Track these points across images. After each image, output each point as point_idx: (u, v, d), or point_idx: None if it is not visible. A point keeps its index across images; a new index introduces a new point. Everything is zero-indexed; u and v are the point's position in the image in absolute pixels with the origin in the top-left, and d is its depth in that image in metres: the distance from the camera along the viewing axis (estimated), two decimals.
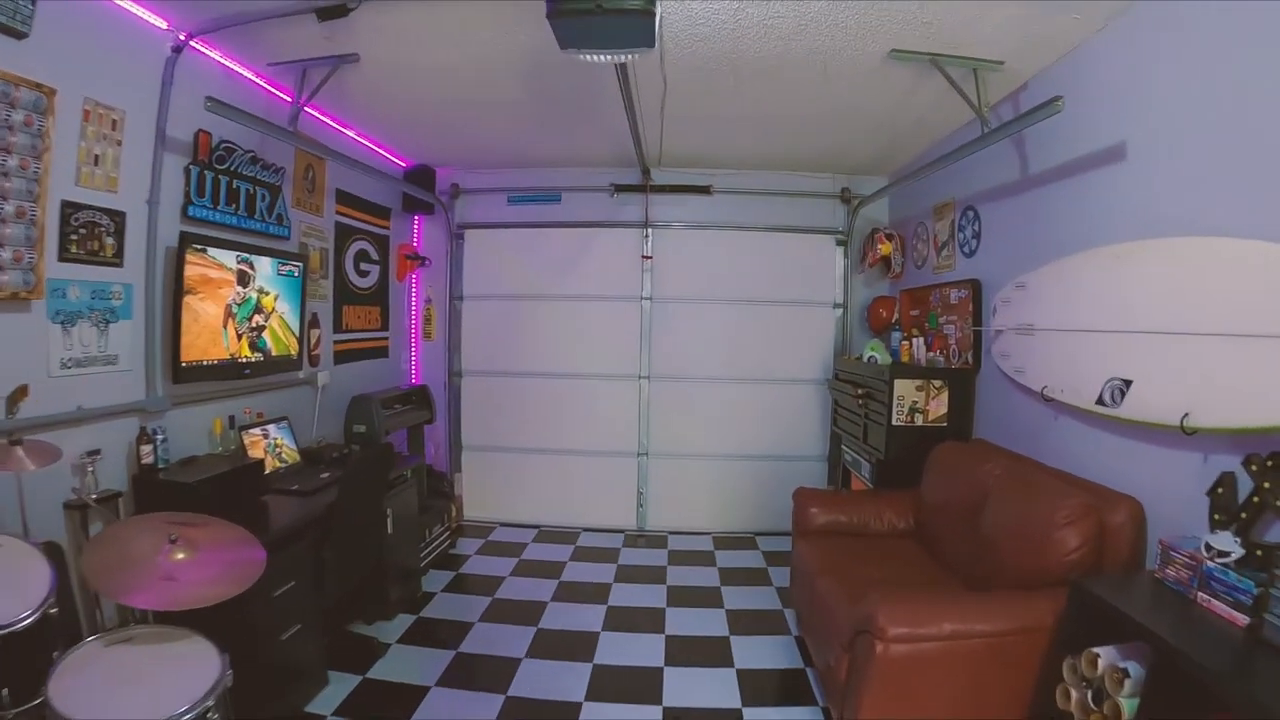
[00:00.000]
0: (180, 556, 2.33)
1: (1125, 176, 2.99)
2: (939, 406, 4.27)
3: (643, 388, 6.15)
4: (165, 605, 2.18)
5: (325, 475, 3.84)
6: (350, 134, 5.20)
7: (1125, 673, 2.14)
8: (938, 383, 4.27)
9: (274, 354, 4.15)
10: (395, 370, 6.13)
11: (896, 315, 5.62)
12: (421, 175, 6.03)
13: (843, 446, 5.43)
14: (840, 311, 6.12)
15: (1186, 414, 2.43)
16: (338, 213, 5.11)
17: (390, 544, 4.09)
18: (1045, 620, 2.50)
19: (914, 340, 5.00)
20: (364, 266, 5.52)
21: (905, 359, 4.94)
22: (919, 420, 4.26)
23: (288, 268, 4.23)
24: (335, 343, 5.09)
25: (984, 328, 4.25)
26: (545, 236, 6.14)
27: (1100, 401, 2.92)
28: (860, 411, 4.72)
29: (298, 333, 4.36)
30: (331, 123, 4.91)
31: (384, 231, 5.87)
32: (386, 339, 5.95)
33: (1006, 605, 2.60)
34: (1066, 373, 3.27)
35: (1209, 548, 2.19)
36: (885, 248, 5.67)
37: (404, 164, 6.06)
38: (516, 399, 6.25)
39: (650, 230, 6.02)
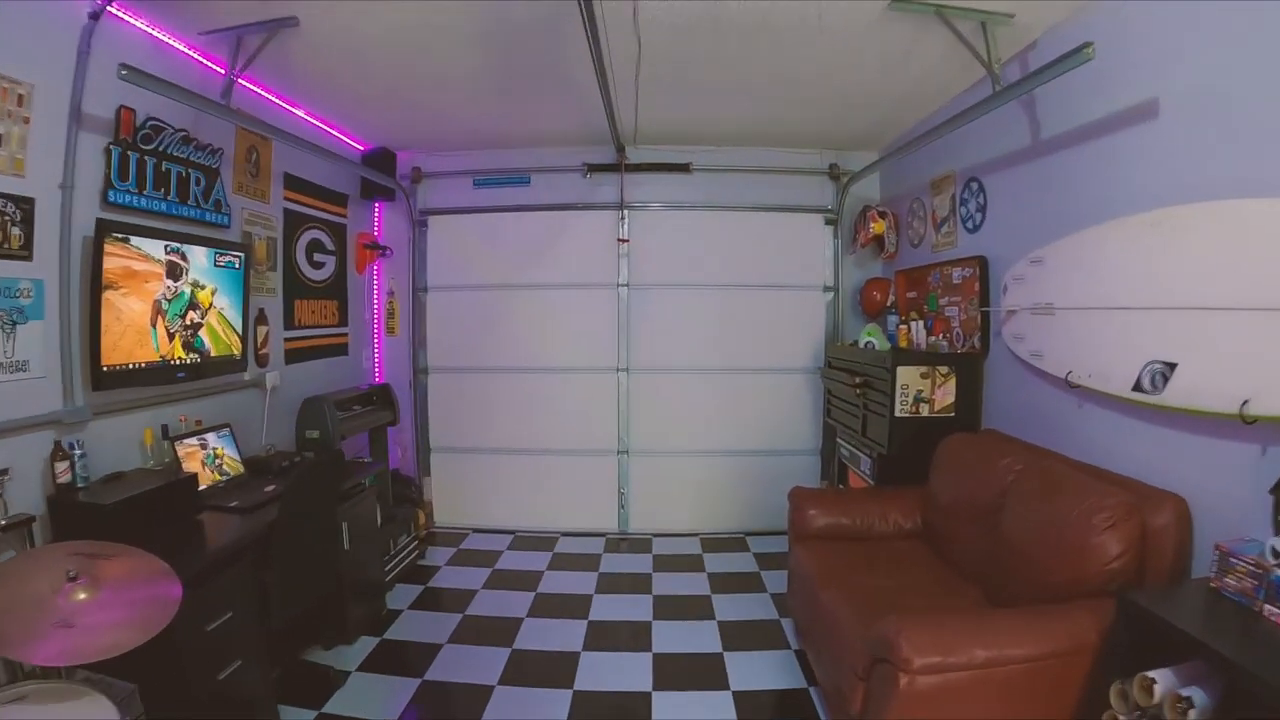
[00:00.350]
0: (81, 597, 2.00)
1: (1158, 136, 2.70)
2: (945, 395, 4.00)
3: (621, 381, 5.84)
4: (58, 659, 1.85)
5: (271, 488, 3.48)
6: (300, 113, 4.84)
7: (1189, 701, 1.87)
8: (944, 369, 3.99)
9: (213, 354, 3.80)
10: (356, 369, 5.78)
11: (892, 298, 5.35)
12: (381, 159, 5.67)
13: (838, 440, 5.15)
14: (831, 295, 5.84)
15: (1246, 400, 2.15)
16: (286, 199, 4.75)
17: (348, 560, 3.76)
18: (1088, 639, 2.22)
19: (913, 324, 4.75)
20: (318, 257, 5.17)
21: (904, 344, 4.69)
22: (924, 411, 3.98)
23: (227, 258, 3.87)
24: (286, 340, 4.73)
25: (993, 308, 3.99)
26: (514, 221, 5.81)
27: (1138, 388, 2.64)
28: (858, 402, 4.44)
29: (241, 330, 4.01)
30: (276, 100, 4.55)
31: (340, 219, 5.51)
32: (345, 335, 5.60)
33: (1044, 624, 2.31)
34: (1095, 356, 2.98)
35: (1276, 553, 1.92)
36: (878, 226, 5.40)
37: (361, 147, 5.70)
38: (487, 396, 5.92)
39: (626, 212, 5.71)
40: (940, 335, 4.53)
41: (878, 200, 5.75)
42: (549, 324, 5.83)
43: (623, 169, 5.59)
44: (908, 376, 3.95)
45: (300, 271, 4.93)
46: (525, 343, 5.85)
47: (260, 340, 4.38)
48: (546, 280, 5.79)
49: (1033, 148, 3.63)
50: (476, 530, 5.87)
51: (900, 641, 2.19)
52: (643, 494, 5.88)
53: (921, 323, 4.70)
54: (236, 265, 3.96)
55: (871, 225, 5.39)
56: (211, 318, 3.78)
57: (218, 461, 3.66)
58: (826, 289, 5.85)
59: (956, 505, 3.50)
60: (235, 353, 3.97)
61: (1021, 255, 3.64)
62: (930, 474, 3.83)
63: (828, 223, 5.82)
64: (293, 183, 4.82)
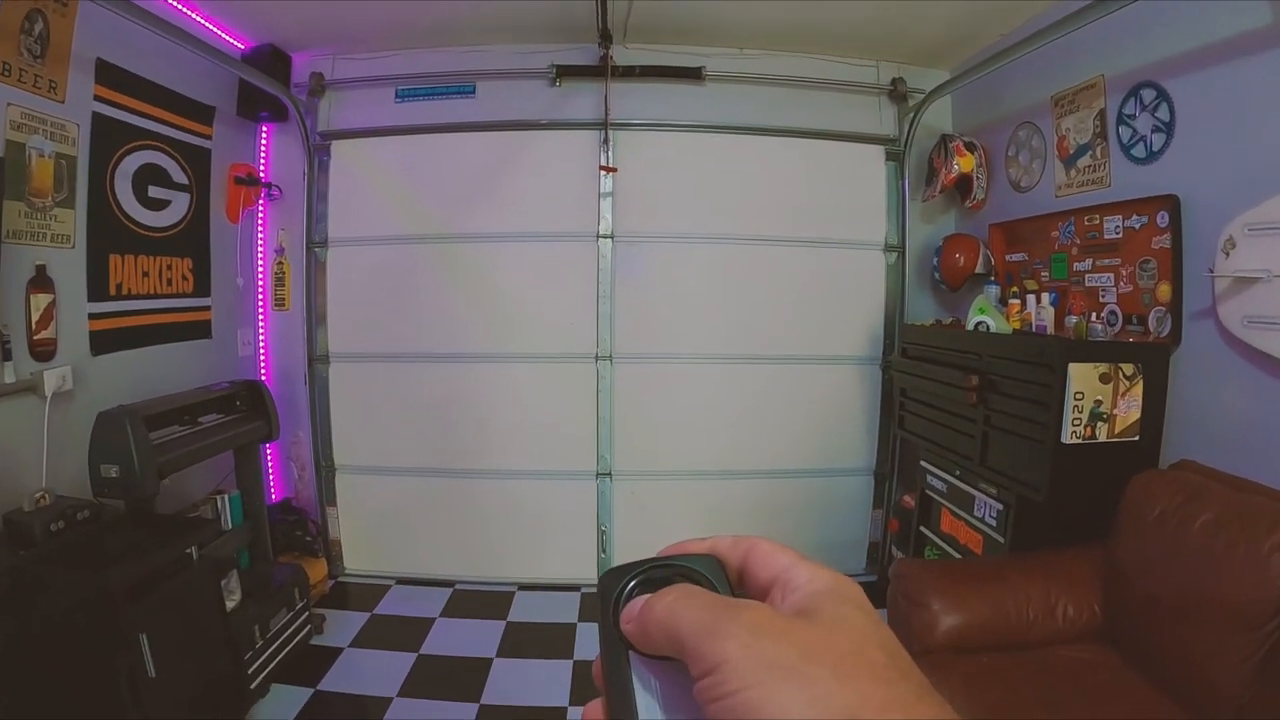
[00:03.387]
0: None
1: None
2: (1129, 409, 2.64)
3: (603, 373, 4.37)
4: None
5: None
6: None
7: None
8: (1128, 368, 2.63)
9: None
10: (227, 360, 4.19)
11: (984, 263, 3.99)
12: (269, 64, 4.12)
13: (922, 465, 3.75)
14: (894, 257, 4.43)
15: None
16: (100, 98, 3.21)
17: (153, 693, 2.31)
18: None
19: (1028, 298, 3.46)
20: (158, 193, 3.62)
21: (1016, 327, 3.36)
22: (1101, 433, 2.61)
23: None
24: (94, 318, 3.19)
25: (1193, 274, 2.70)
26: (452, 146, 4.27)
27: None
28: (976, 417, 3.05)
29: None
30: None
31: (201, 142, 3.94)
32: (207, 309, 4.02)
33: None
34: None
35: None
36: (965, 162, 4.02)
37: (241, 45, 4.15)
38: (414, 394, 4.41)
39: (612, 133, 4.19)
40: (1083, 315, 3.20)
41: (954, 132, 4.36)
42: (501, 292, 4.34)
43: (608, 73, 4.05)
44: (1085, 380, 2.56)
45: (122, 211, 3.37)
46: (467, 319, 4.35)
47: (38, 317, 2.86)
48: (497, 229, 4.27)
49: (1274, 28, 2.39)
50: (402, 580, 4.40)
51: None
52: (631, 531, 4.45)
53: (1045, 296, 3.40)
54: None
55: (956, 161, 4.01)
56: None
57: None
58: (889, 248, 4.43)
59: (1182, 600, 2.21)
60: None
61: (1265, 191, 2.39)
62: (1116, 536, 2.54)
63: (890, 158, 4.41)
64: (113, 77, 3.27)
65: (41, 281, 2.87)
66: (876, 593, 4.27)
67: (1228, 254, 2.52)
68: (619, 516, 4.46)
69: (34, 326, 2.83)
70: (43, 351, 2.88)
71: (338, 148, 4.36)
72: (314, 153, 4.33)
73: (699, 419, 4.43)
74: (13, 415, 2.73)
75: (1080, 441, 2.58)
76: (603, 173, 4.19)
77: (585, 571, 4.42)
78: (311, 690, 3.26)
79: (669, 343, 4.38)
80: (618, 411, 4.41)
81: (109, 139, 3.28)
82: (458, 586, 4.34)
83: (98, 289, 3.21)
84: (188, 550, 2.63)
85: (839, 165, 4.37)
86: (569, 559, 4.44)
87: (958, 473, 3.34)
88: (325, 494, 4.50)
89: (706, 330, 4.38)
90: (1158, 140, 2.93)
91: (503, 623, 3.95)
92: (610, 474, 4.44)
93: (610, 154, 4.21)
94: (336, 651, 3.62)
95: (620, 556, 4.41)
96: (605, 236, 4.29)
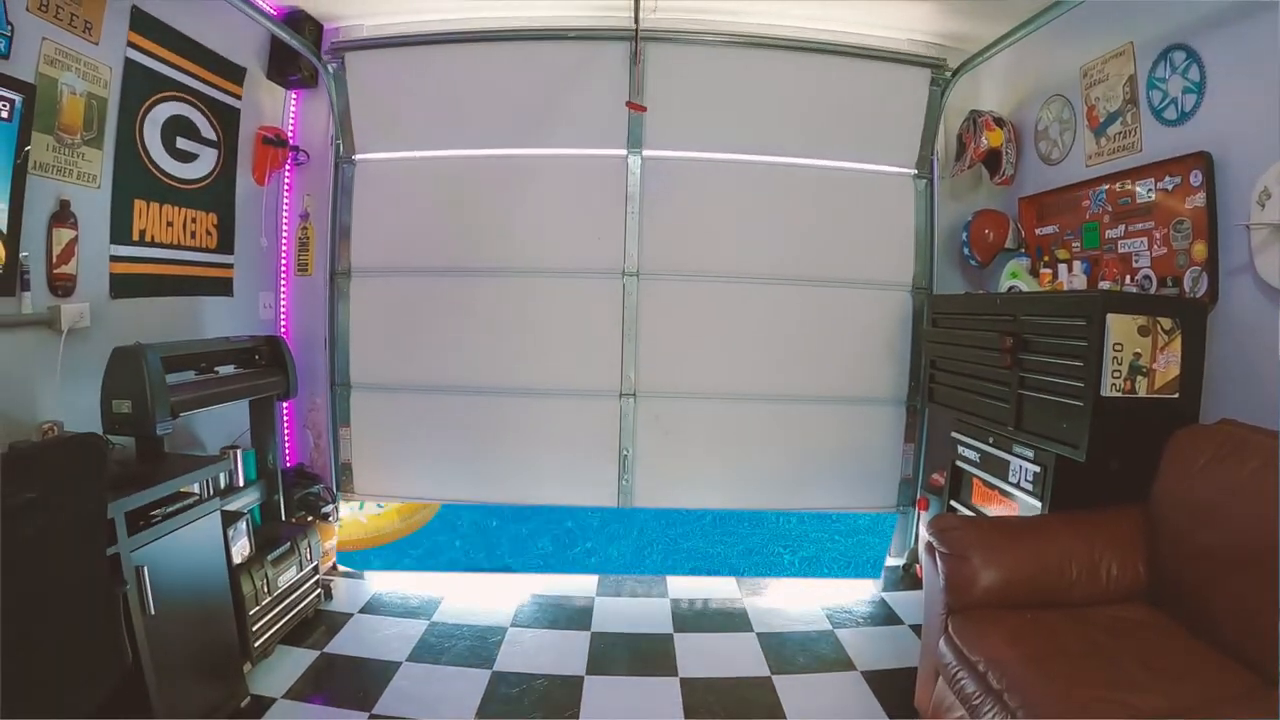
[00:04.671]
0: None
1: None
2: (1168, 364, 2.55)
3: (628, 290, 4.24)
4: None
5: None
6: None
7: None
8: (1166, 322, 2.54)
9: None
10: (247, 320, 4.12)
11: (1014, 237, 3.90)
12: (300, 30, 4.08)
13: (954, 436, 3.58)
14: (924, 185, 4.30)
15: None
16: (134, 45, 3.20)
17: (154, 633, 2.25)
18: None
19: (1060, 266, 3.40)
20: (186, 145, 3.58)
21: None
22: (1140, 388, 2.51)
23: None
24: (115, 260, 3.16)
25: (1230, 225, 2.66)
26: (475, 60, 4.17)
27: None
28: (1010, 380, 2.95)
29: (4, 227, 2.46)
30: None
31: (230, 100, 3.91)
32: (229, 267, 3.98)
33: None
34: None
35: None
36: (994, 137, 3.95)
37: (273, 11, 4.11)
38: (434, 311, 4.32)
39: (643, 46, 4.01)
40: (1116, 281, 3.13)
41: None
42: (525, 205, 4.24)
43: (637, 36, 3.85)
44: (1124, 331, 2.47)
45: (150, 159, 3.34)
46: (487, 232, 4.26)
47: (59, 251, 2.82)
48: (523, 144, 4.22)
49: None
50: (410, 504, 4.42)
51: None
52: (654, 456, 4.33)
53: (1077, 264, 3.35)
54: (4, 115, 2.41)
55: (985, 136, 3.93)
56: None
57: None
58: (919, 176, 4.31)
59: (1235, 551, 2.12)
60: None
61: None
62: (1159, 493, 2.46)
63: (934, 84, 4.24)
64: (148, 25, 3.26)
65: (64, 217, 2.84)
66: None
67: (1263, 205, 2.49)
68: (642, 439, 4.32)
69: (54, 261, 2.80)
70: (61, 287, 2.84)
71: (352, 59, 4.23)
72: (332, 62, 4.23)
73: (726, 340, 4.30)
74: (27, 346, 2.69)
75: (1120, 395, 2.49)
76: (630, 110, 4.03)
77: (603, 495, 4.32)
78: (317, 653, 3.20)
79: (697, 261, 4.25)
80: (643, 329, 4.28)
81: (140, 86, 3.26)
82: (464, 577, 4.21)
83: (121, 232, 3.18)
84: (192, 488, 2.55)
85: (881, 85, 4.23)
86: (588, 484, 4.34)
87: (991, 440, 3.22)
88: (339, 414, 4.39)
89: (735, 249, 4.26)
90: (1189, 101, 2.89)
91: (521, 594, 3.88)
92: (634, 394, 4.30)
93: (641, 70, 4.06)
94: (346, 617, 3.55)
95: (642, 482, 4.35)
96: (634, 151, 4.19)
